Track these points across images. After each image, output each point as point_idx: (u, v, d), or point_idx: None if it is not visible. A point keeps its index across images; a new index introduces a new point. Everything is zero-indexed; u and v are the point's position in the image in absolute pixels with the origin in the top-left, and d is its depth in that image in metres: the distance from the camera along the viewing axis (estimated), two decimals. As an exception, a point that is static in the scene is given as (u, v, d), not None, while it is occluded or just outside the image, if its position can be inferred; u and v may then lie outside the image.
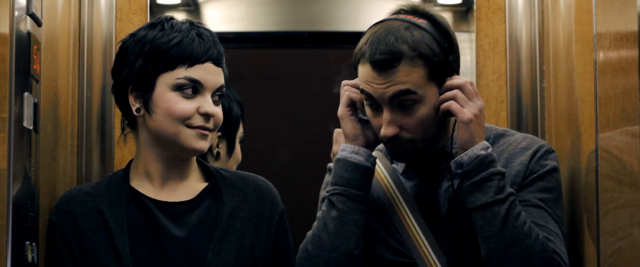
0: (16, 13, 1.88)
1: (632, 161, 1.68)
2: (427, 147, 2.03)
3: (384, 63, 1.95)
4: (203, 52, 2.04)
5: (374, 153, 2.15)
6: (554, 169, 2.04)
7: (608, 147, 1.82)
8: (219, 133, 2.72)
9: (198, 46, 2.04)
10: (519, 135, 2.11)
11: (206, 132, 2.05)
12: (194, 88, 2.04)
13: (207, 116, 2.04)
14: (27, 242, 1.94)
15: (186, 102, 2.03)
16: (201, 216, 2.09)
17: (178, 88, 2.03)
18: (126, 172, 2.15)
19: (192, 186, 2.13)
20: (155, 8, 2.83)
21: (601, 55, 1.85)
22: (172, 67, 2.03)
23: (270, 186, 2.19)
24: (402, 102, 1.97)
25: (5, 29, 1.84)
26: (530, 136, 2.11)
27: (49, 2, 2.21)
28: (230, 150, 2.81)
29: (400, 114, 1.98)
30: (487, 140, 2.06)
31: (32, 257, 1.96)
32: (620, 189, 1.75)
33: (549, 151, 2.05)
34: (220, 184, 2.14)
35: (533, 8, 2.73)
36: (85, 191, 2.12)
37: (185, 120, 2.03)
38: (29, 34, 1.96)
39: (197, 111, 2.04)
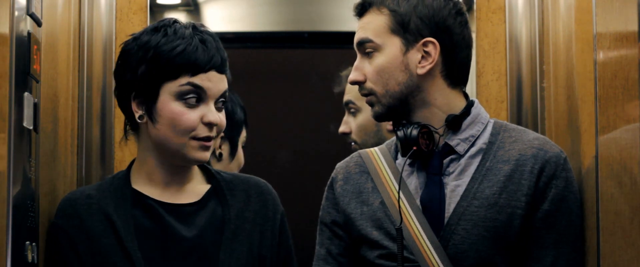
0: (16, 13, 1.88)
1: (632, 161, 1.68)
2: (397, 108, 2.04)
3: (356, 9, 2.10)
4: (206, 61, 2.03)
5: (378, 149, 2.15)
6: (565, 189, 2.00)
7: (608, 148, 1.82)
8: (222, 134, 2.72)
9: (202, 54, 2.03)
10: (531, 133, 2.08)
11: (209, 143, 2.05)
12: (198, 96, 2.03)
13: (210, 125, 2.04)
14: (27, 242, 1.94)
15: (190, 112, 2.02)
16: (208, 217, 2.09)
17: (181, 96, 2.02)
18: (127, 174, 2.14)
19: (195, 188, 2.13)
20: (155, 8, 2.83)
21: (601, 55, 1.85)
22: (175, 76, 2.02)
23: (271, 188, 2.20)
24: (365, 49, 2.06)
25: (5, 29, 1.84)
26: (542, 137, 2.07)
27: (49, 2, 2.21)
28: (232, 152, 2.81)
29: (366, 61, 2.06)
30: (496, 132, 2.05)
31: (32, 257, 1.96)
32: (621, 189, 1.75)
33: (558, 165, 2.00)
34: (223, 186, 2.14)
35: (533, 8, 2.72)
36: (88, 194, 2.10)
37: (190, 132, 2.03)
38: (29, 34, 1.96)
39: (201, 121, 2.03)
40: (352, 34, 2.10)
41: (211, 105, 2.04)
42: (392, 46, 2.03)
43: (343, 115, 2.89)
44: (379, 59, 2.03)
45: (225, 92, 2.08)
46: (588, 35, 2.05)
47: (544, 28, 2.66)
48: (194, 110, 2.03)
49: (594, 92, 1.89)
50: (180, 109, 2.02)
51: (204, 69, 2.03)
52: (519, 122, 2.71)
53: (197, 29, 2.07)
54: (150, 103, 2.04)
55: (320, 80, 3.45)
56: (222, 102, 2.08)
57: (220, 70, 2.06)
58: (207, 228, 2.08)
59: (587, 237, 2.01)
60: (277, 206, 2.17)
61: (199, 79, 2.03)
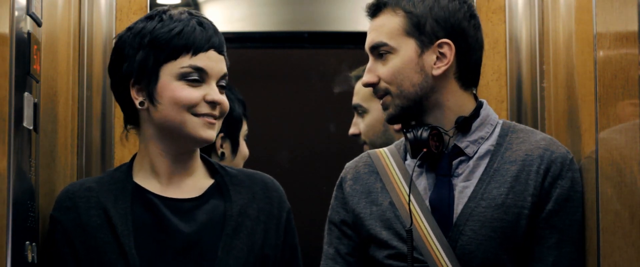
0: (16, 13, 1.88)
1: (632, 160, 1.68)
2: (411, 109, 2.04)
3: (368, 9, 2.08)
4: (206, 40, 2.04)
5: (387, 149, 2.15)
6: (571, 189, 2.01)
7: (608, 147, 1.82)
8: (222, 133, 2.71)
9: (200, 34, 2.04)
10: (539, 134, 2.09)
11: (213, 121, 2.04)
12: (199, 76, 2.03)
13: (213, 104, 2.04)
14: (27, 242, 1.94)
15: (192, 89, 2.03)
16: (209, 213, 2.08)
17: (183, 77, 2.02)
18: (129, 167, 2.12)
19: (198, 183, 2.12)
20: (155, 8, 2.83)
21: (601, 55, 1.85)
22: (175, 57, 2.03)
23: (277, 184, 2.18)
24: (379, 52, 2.05)
25: (5, 29, 1.85)
26: (549, 137, 2.08)
27: (49, 2, 2.21)
28: (234, 149, 2.82)
29: (379, 63, 2.05)
30: (504, 133, 2.06)
31: (32, 257, 1.96)
32: (621, 188, 1.75)
33: (564, 165, 2.01)
34: (227, 181, 2.12)
35: (533, 8, 2.72)
36: (88, 186, 2.09)
37: (191, 108, 2.02)
38: (29, 34, 1.96)
39: (204, 99, 2.03)
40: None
41: (213, 85, 2.05)
42: (407, 48, 2.03)
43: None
44: (394, 61, 2.03)
45: (225, 74, 2.08)
46: (588, 35, 2.05)
47: (544, 28, 2.66)
48: (197, 89, 2.03)
49: (594, 92, 1.89)
50: (181, 86, 2.02)
51: (203, 48, 2.03)
52: (519, 122, 2.70)
53: (192, 14, 2.09)
54: (150, 87, 2.04)
55: (320, 80, 3.45)
56: (223, 86, 2.08)
57: (219, 51, 2.07)
58: (207, 224, 2.06)
59: (587, 237, 2.01)
60: (283, 203, 2.16)
61: (199, 60, 2.03)
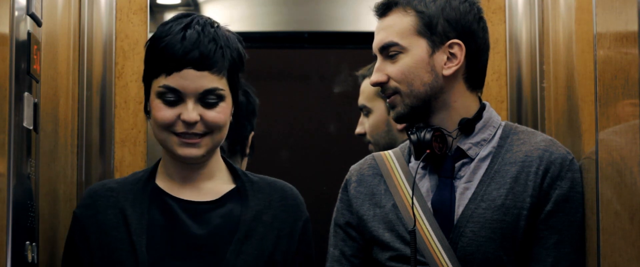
0: (16, 13, 1.88)
1: (632, 161, 1.68)
2: (420, 109, 2.04)
3: (377, 9, 2.07)
4: (179, 58, 2.00)
5: (392, 152, 2.15)
6: (571, 189, 2.01)
7: (608, 148, 1.82)
8: (253, 133, 2.74)
9: (178, 51, 2.00)
10: (539, 135, 2.09)
11: (194, 140, 2.03)
12: (175, 96, 2.02)
13: (187, 123, 2.02)
14: (27, 242, 1.95)
15: (167, 109, 2.02)
16: (223, 217, 2.09)
17: (160, 96, 2.03)
18: (154, 168, 2.16)
19: (217, 186, 2.13)
20: (155, 8, 2.83)
21: (601, 55, 1.85)
22: (156, 75, 2.04)
23: (296, 193, 2.18)
24: (389, 52, 2.04)
25: (5, 29, 1.85)
26: (550, 139, 2.08)
27: (49, 2, 2.21)
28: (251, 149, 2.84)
29: (388, 63, 2.04)
30: (505, 135, 2.06)
31: (32, 257, 1.96)
32: (621, 189, 1.75)
33: (563, 166, 2.01)
34: (247, 187, 2.13)
35: (533, 8, 2.72)
36: (110, 187, 2.13)
37: (169, 128, 2.03)
38: (29, 34, 1.96)
39: (180, 118, 2.02)
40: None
41: (189, 104, 2.02)
42: (418, 48, 2.03)
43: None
44: (405, 61, 2.03)
45: (209, 90, 2.02)
46: (588, 35, 2.05)
47: (544, 28, 2.66)
48: (172, 108, 2.03)
49: (594, 92, 1.89)
50: (159, 105, 2.03)
51: (177, 68, 2.01)
52: (518, 122, 2.70)
53: (190, 25, 2.04)
54: (146, 99, 2.09)
55: (320, 80, 3.45)
56: (209, 102, 2.03)
57: (199, 67, 2.01)
58: (221, 227, 2.07)
59: (587, 237, 2.01)
60: (300, 212, 2.16)
61: (172, 80, 2.01)
